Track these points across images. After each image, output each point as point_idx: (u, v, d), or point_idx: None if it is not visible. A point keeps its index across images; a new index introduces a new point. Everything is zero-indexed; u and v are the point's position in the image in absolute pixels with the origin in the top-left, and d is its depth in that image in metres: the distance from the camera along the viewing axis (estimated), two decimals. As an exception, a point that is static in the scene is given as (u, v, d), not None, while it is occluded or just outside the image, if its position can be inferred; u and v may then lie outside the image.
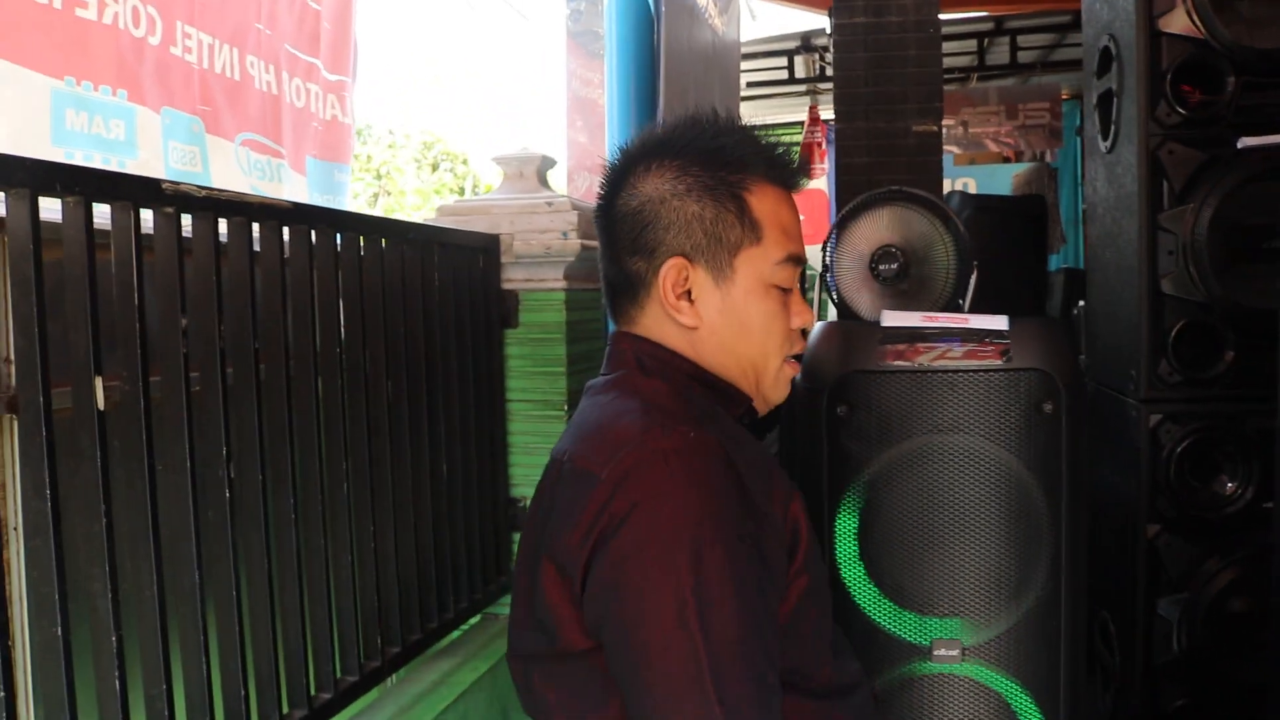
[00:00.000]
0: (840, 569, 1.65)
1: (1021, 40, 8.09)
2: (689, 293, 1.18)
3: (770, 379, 1.21)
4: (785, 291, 1.19)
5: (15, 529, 1.46)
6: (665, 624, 0.97)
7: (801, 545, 1.11)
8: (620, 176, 1.23)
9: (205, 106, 2.33)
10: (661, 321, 1.21)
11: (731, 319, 1.18)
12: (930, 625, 1.64)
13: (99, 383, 1.36)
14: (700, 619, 0.96)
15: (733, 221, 1.17)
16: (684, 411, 1.11)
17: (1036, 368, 1.63)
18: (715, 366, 1.19)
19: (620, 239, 1.21)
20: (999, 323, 1.65)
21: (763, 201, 1.18)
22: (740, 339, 1.18)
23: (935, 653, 1.62)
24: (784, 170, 1.22)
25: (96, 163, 1.96)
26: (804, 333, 1.25)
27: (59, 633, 1.29)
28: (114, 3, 2.02)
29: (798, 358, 1.25)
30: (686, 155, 1.18)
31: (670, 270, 1.17)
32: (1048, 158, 9.45)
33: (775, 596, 1.06)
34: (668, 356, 1.20)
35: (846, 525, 1.67)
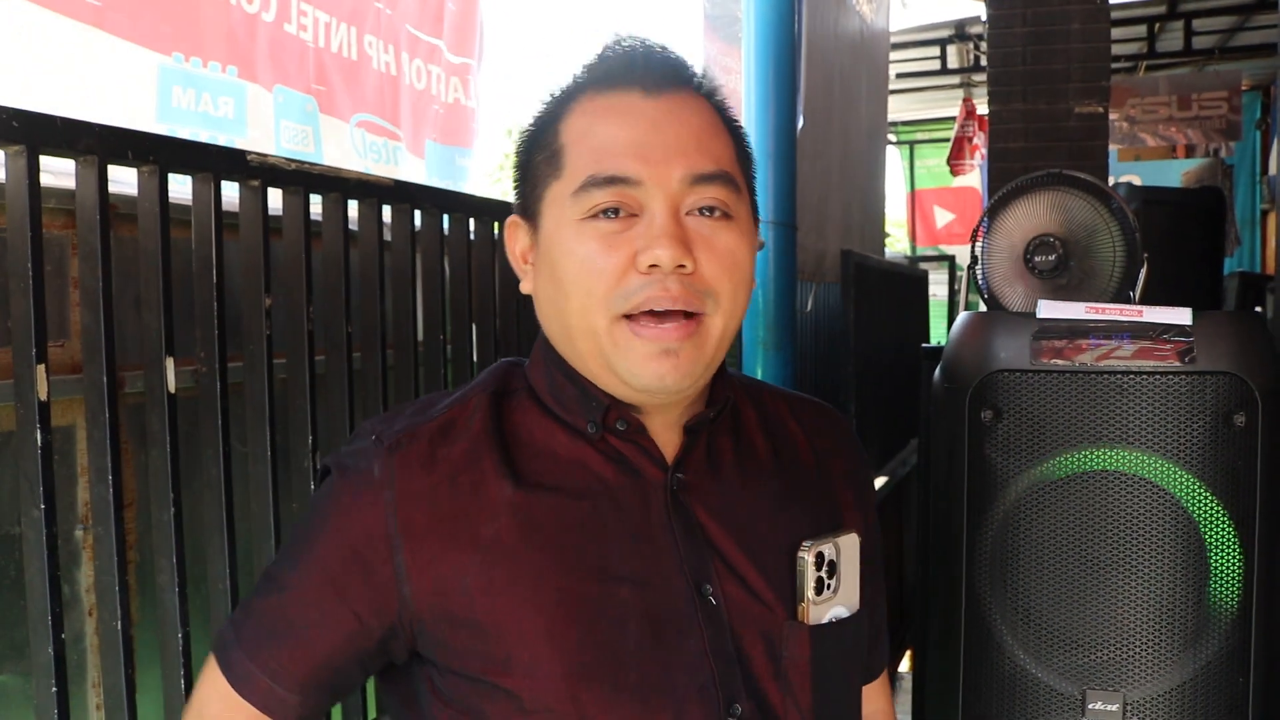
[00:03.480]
0: (979, 598, 1.45)
1: (1198, 24, 7.54)
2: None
3: (608, 344, 0.88)
4: (618, 222, 0.88)
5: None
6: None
7: (453, 631, 0.88)
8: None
9: (320, 86, 2.28)
10: None
11: (543, 274, 0.93)
12: (1084, 672, 1.42)
13: (170, 364, 1.28)
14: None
15: (541, 159, 0.94)
16: (439, 415, 0.95)
17: (1226, 371, 1.38)
18: (557, 343, 0.96)
19: None
20: (1180, 316, 1.41)
21: (576, 121, 0.92)
22: (555, 296, 0.92)
23: (1090, 706, 1.39)
24: (605, 66, 0.93)
25: (203, 140, 1.91)
26: (696, 279, 0.88)
27: (119, 626, 1.21)
28: (226, -23, 1.97)
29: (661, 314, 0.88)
30: (547, 96, 0.99)
31: (509, 230, 0.99)
32: (1222, 153, 8.93)
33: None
34: (546, 346, 0.99)
35: (987, 549, 1.46)
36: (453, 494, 0.90)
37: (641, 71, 0.92)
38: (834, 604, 0.96)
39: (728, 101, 0.98)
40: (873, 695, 1.13)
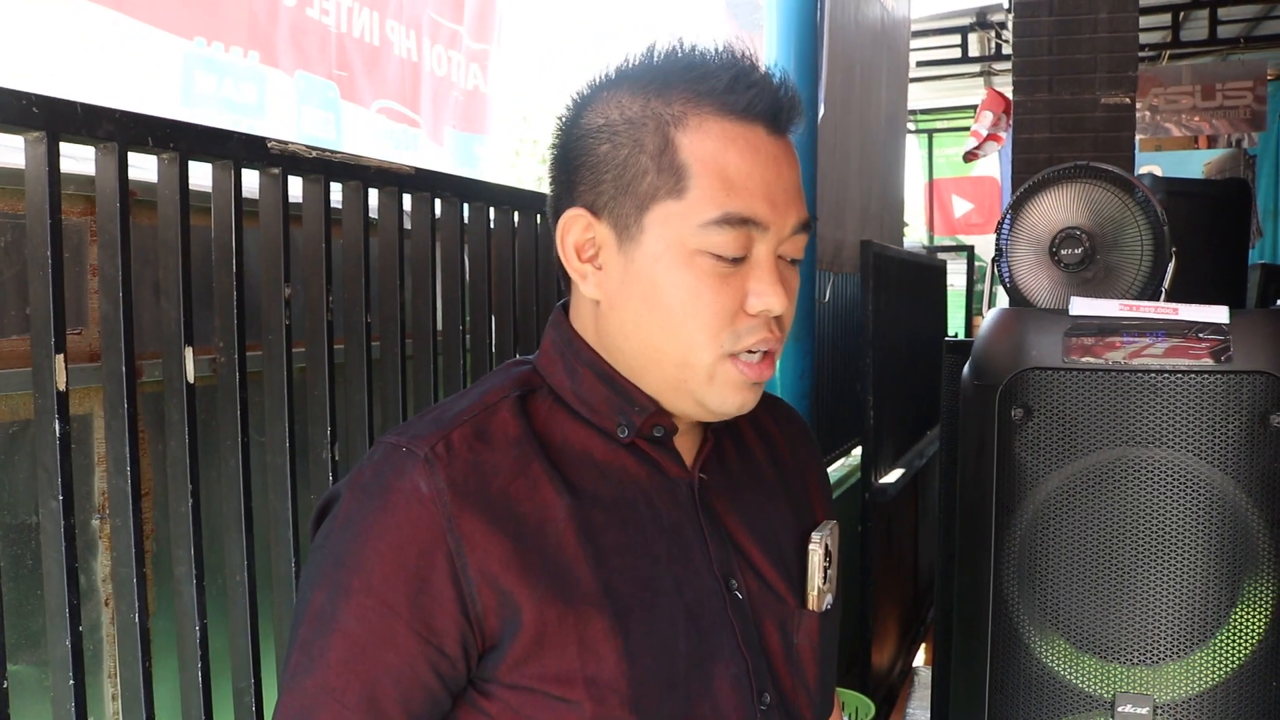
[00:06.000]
0: (1006, 599, 1.43)
1: (1223, 13, 7.45)
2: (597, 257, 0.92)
3: (702, 377, 0.89)
4: (732, 262, 0.88)
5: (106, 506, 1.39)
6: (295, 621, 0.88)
7: (515, 643, 0.84)
8: (571, 114, 0.96)
9: (342, 72, 2.26)
10: (577, 293, 0.96)
11: (634, 291, 0.89)
12: (1114, 675, 1.40)
13: (189, 353, 1.27)
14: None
15: (646, 166, 0.88)
16: (465, 420, 0.89)
17: (1263, 371, 1.35)
18: (623, 354, 0.93)
19: (551, 187, 0.98)
20: (1217, 314, 1.38)
21: (701, 141, 0.87)
22: (650, 319, 0.89)
23: (1120, 709, 1.37)
24: (742, 95, 0.88)
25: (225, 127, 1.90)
26: (781, 321, 0.91)
27: (135, 616, 1.20)
28: (247, -38, 1.95)
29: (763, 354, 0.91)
30: (623, 82, 0.92)
31: (570, 224, 0.92)
32: (1245, 144, 8.82)
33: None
34: (569, 344, 0.95)
35: (1015, 549, 1.44)
36: (508, 503, 0.86)
37: (773, 107, 0.89)
38: (830, 591, 1.01)
39: None
40: None
